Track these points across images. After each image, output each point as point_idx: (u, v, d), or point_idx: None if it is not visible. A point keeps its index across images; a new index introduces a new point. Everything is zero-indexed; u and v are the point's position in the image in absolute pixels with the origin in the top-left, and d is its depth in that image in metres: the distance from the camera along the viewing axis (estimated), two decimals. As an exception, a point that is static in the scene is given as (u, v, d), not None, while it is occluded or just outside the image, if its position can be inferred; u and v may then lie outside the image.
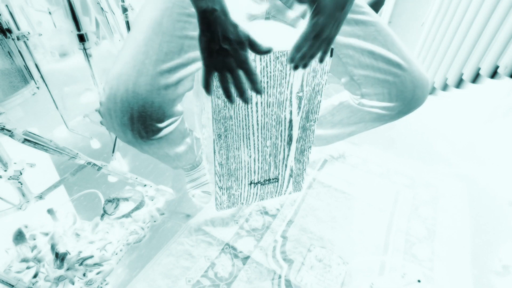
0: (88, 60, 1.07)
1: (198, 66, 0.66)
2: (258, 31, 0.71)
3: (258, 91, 0.54)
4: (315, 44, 0.54)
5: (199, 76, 0.56)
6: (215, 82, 0.66)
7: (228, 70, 0.51)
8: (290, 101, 0.74)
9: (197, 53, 0.64)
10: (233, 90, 0.54)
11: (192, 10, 0.62)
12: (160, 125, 0.64)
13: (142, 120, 0.60)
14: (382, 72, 0.71)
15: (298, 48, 0.54)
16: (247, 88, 0.53)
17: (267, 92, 0.69)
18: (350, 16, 0.70)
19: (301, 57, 0.55)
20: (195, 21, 0.62)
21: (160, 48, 0.60)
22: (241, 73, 0.52)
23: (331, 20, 0.52)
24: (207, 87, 0.54)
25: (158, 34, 0.61)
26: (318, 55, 0.56)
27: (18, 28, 0.81)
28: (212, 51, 0.50)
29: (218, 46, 0.49)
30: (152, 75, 0.59)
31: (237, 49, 0.50)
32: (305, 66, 0.57)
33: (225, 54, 0.50)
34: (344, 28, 0.71)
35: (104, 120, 0.63)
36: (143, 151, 0.72)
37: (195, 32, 0.62)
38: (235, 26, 0.50)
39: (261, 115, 0.73)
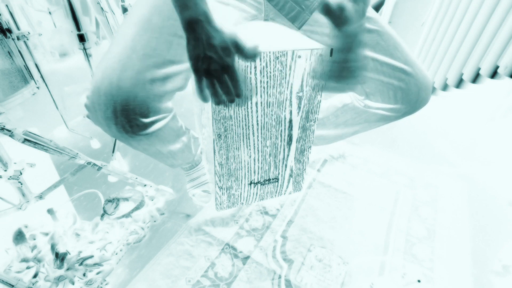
0: (88, 60, 1.07)
1: (188, 66, 0.67)
2: (257, 31, 0.71)
3: (237, 95, 0.57)
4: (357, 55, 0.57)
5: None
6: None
7: (214, 76, 0.52)
8: (290, 101, 0.74)
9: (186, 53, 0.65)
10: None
11: None
12: (145, 120, 0.63)
13: (125, 114, 0.60)
14: (386, 75, 0.72)
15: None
16: (233, 92, 0.56)
17: (267, 92, 0.69)
18: None
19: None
20: None
21: (148, 44, 0.60)
22: (227, 79, 0.53)
23: (358, 28, 0.54)
24: (201, 93, 0.55)
25: (147, 30, 0.61)
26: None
27: (18, 28, 0.81)
28: (198, 58, 0.51)
29: (203, 53, 0.50)
30: (137, 70, 0.59)
31: (222, 56, 0.51)
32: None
33: (210, 61, 0.51)
34: None
35: (89, 113, 0.63)
36: (132, 147, 0.71)
37: None
38: (220, 33, 0.50)
39: (261, 115, 0.73)
